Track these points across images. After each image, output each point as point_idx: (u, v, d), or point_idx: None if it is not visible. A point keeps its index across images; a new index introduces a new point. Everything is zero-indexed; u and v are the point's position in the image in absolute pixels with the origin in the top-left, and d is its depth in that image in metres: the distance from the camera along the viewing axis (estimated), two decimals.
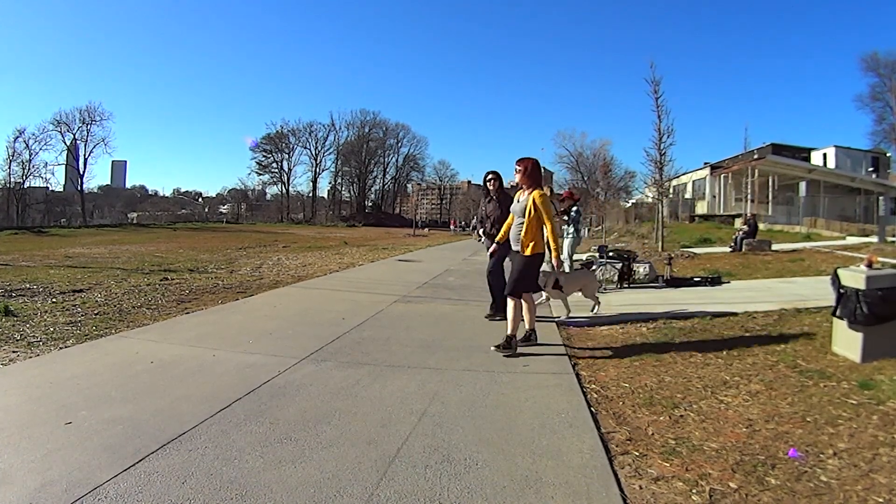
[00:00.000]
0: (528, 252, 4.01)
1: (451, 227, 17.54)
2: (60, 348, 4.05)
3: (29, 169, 50.91)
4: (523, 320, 4.21)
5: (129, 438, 2.43)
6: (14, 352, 3.91)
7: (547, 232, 4.01)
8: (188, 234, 31.21)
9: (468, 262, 12.89)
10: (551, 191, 9.32)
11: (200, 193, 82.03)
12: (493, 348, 4.04)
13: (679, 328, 4.95)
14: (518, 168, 4.19)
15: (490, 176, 5.54)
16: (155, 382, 3.23)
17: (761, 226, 17.82)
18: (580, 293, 5.79)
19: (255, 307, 6.01)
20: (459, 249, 18.18)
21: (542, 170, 4.16)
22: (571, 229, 8.21)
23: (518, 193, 4.33)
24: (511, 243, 4.23)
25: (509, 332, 4.05)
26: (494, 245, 4.77)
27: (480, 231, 5.74)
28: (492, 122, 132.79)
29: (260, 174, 70.80)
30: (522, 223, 4.06)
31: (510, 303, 4.08)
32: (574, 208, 8.31)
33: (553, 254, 4.04)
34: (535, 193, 4.04)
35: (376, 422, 2.72)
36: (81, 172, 55.24)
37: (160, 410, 2.78)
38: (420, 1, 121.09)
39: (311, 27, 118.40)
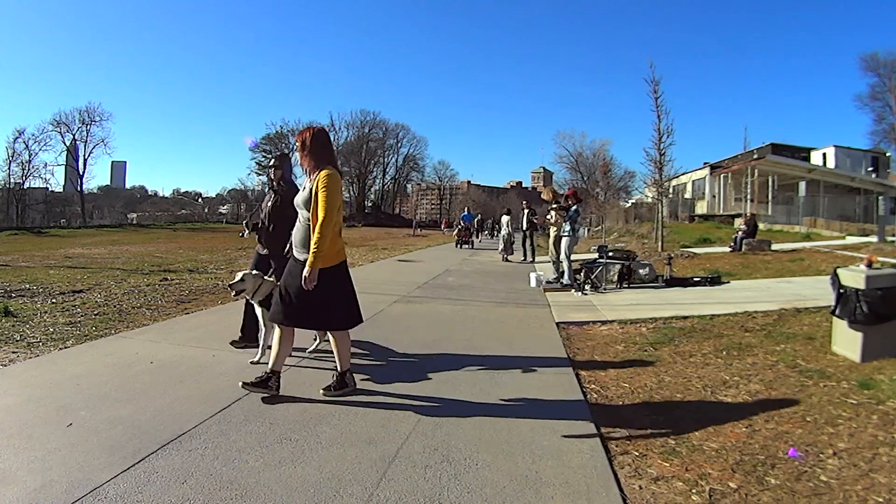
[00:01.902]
0: (323, 263, 2.87)
1: (443, 227, 19.04)
2: (60, 349, 4.05)
3: (28, 169, 50.97)
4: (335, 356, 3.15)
5: (128, 438, 2.43)
6: (14, 352, 3.90)
7: (315, 225, 2.84)
8: (188, 235, 31.22)
9: (468, 262, 12.89)
10: (554, 192, 9.24)
11: (200, 194, 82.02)
12: (241, 383, 2.98)
13: (679, 328, 4.95)
14: (296, 143, 3.07)
15: (273, 162, 4.17)
16: (155, 383, 3.23)
17: (761, 225, 17.82)
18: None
19: None
20: (459, 250, 18.18)
21: (328, 141, 3.05)
22: (568, 228, 8.21)
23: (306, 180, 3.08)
24: (295, 250, 3.07)
25: (270, 366, 3.01)
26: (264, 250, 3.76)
27: (246, 234, 4.32)
28: (492, 122, 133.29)
29: (260, 174, 70.69)
30: (308, 220, 2.93)
31: (276, 332, 3.02)
32: (574, 208, 8.31)
33: (309, 258, 2.80)
34: (322, 174, 2.89)
35: (376, 422, 2.72)
36: (81, 173, 55.28)
37: (160, 411, 2.78)
38: (420, 1, 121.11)
39: (311, 27, 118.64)
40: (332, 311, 2.98)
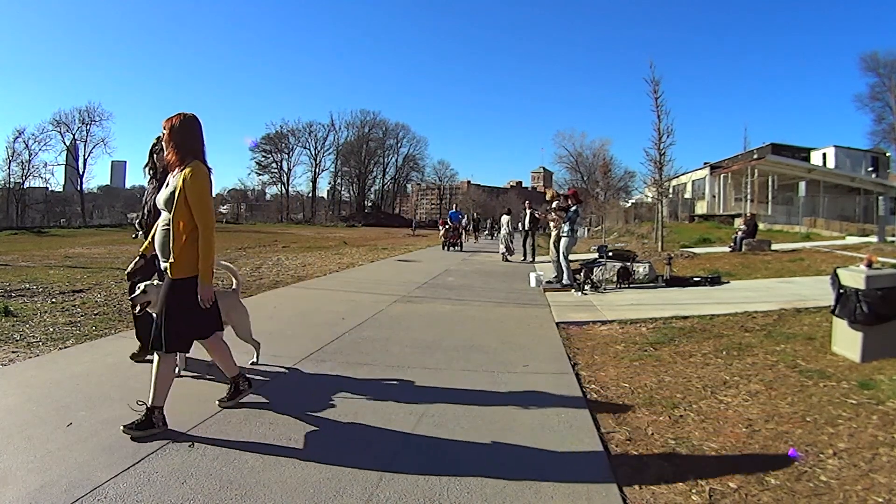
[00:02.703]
0: (178, 273, 2.50)
1: (440, 226, 15.96)
2: (60, 348, 4.05)
3: (28, 169, 51.12)
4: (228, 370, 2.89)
5: (128, 438, 2.42)
6: (14, 352, 3.90)
7: (200, 235, 2.49)
8: None
9: (468, 262, 12.89)
10: (555, 193, 9.22)
11: None
12: (122, 428, 2.46)
13: (679, 328, 4.95)
14: (163, 130, 2.63)
15: (157, 145, 3.39)
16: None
17: (761, 226, 17.82)
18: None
19: (255, 307, 5.98)
20: (453, 252, 18.16)
21: (198, 130, 2.63)
22: (567, 228, 8.21)
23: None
24: (159, 257, 2.66)
25: (150, 401, 2.52)
26: (139, 259, 3.10)
27: (139, 235, 3.60)
28: (492, 122, 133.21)
29: (259, 174, 70.97)
30: (170, 224, 2.54)
31: (156, 358, 2.57)
32: (573, 208, 8.31)
33: (200, 274, 2.50)
34: (187, 172, 2.49)
35: (376, 422, 2.71)
36: (81, 173, 55.35)
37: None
38: (420, 1, 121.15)
39: (311, 27, 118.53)
40: (203, 320, 2.63)
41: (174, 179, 2.56)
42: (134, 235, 3.81)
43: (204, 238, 2.49)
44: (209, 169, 2.60)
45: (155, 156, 3.43)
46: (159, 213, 2.69)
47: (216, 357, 2.87)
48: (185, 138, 2.58)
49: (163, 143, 2.68)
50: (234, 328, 3.51)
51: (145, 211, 3.49)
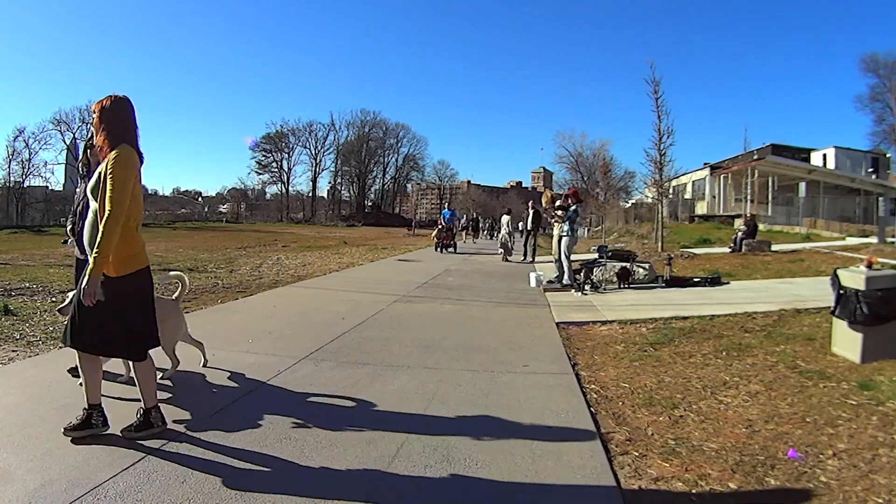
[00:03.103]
0: (115, 270, 2.31)
1: (439, 224, 14.66)
2: (60, 347, 4.04)
3: (29, 168, 51.10)
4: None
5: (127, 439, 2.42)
6: (14, 351, 3.90)
7: (103, 223, 2.23)
8: (188, 234, 31.21)
9: (468, 262, 12.89)
10: (555, 194, 9.22)
11: (200, 193, 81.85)
12: (121, 432, 2.43)
13: (679, 328, 4.95)
14: (93, 114, 2.45)
15: (90, 140, 3.06)
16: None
17: (761, 226, 17.80)
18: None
19: (255, 307, 6.01)
20: (459, 249, 18.16)
21: (130, 113, 2.44)
22: (567, 228, 8.21)
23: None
24: (86, 250, 2.39)
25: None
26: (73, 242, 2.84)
27: (70, 241, 3.29)
28: (492, 122, 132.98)
29: (260, 174, 70.87)
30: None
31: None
32: (573, 208, 8.31)
33: (90, 263, 2.22)
34: (112, 154, 2.32)
35: (376, 422, 2.71)
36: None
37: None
38: (420, 1, 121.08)
39: (310, 27, 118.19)
40: (124, 335, 2.38)
41: (102, 165, 2.36)
42: (64, 241, 3.52)
43: (106, 227, 2.21)
44: (140, 155, 2.42)
45: (89, 151, 3.11)
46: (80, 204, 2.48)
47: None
48: (116, 122, 2.40)
49: (93, 127, 2.45)
50: (163, 336, 3.03)
51: (77, 212, 3.06)
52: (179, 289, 3.54)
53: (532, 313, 5.91)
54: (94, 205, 2.38)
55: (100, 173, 2.34)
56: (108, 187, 2.25)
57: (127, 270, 2.35)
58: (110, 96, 2.43)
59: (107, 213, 2.22)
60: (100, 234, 2.21)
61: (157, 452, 2.30)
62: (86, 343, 2.36)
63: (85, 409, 2.41)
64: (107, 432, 2.43)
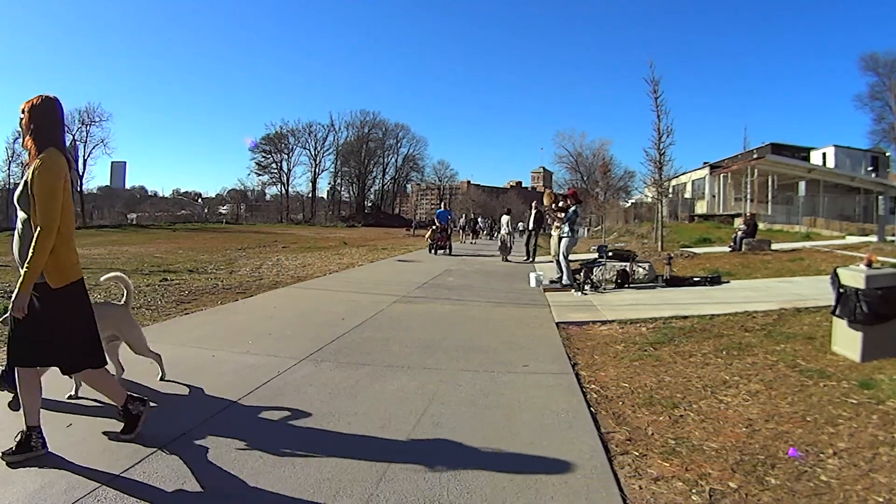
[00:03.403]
0: (53, 281, 2.20)
1: (434, 225, 14.39)
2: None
3: None
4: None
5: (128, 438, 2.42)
6: None
7: (36, 236, 2.13)
8: (188, 235, 31.21)
9: (468, 262, 12.88)
10: (556, 195, 9.21)
11: (200, 194, 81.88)
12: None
13: (679, 328, 4.95)
14: (21, 114, 2.31)
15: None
16: (154, 383, 3.23)
17: (761, 225, 17.82)
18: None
19: (255, 308, 6.01)
20: (458, 250, 18.17)
21: (59, 115, 2.38)
22: (567, 228, 8.20)
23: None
24: (17, 263, 2.27)
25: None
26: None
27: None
28: (492, 122, 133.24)
29: (259, 174, 70.80)
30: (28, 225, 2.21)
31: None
32: (572, 208, 8.31)
33: (21, 276, 2.13)
34: (37, 162, 2.20)
35: (376, 422, 2.71)
36: (81, 173, 55.11)
37: (159, 411, 2.77)
38: (419, 1, 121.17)
39: (310, 27, 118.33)
40: (65, 346, 2.27)
41: (28, 172, 2.22)
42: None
43: (39, 241, 2.11)
44: (68, 159, 2.27)
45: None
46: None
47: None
48: (43, 124, 2.27)
49: (21, 127, 2.31)
50: (129, 344, 3.13)
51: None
52: (126, 293, 3.22)
53: (532, 313, 5.91)
54: (21, 215, 2.23)
55: (26, 181, 2.19)
56: (38, 199, 2.15)
57: (66, 281, 2.24)
58: (40, 96, 2.33)
59: (39, 227, 2.12)
60: (31, 249, 2.12)
61: (157, 453, 2.29)
62: (21, 358, 2.24)
63: (23, 431, 2.23)
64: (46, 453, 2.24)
